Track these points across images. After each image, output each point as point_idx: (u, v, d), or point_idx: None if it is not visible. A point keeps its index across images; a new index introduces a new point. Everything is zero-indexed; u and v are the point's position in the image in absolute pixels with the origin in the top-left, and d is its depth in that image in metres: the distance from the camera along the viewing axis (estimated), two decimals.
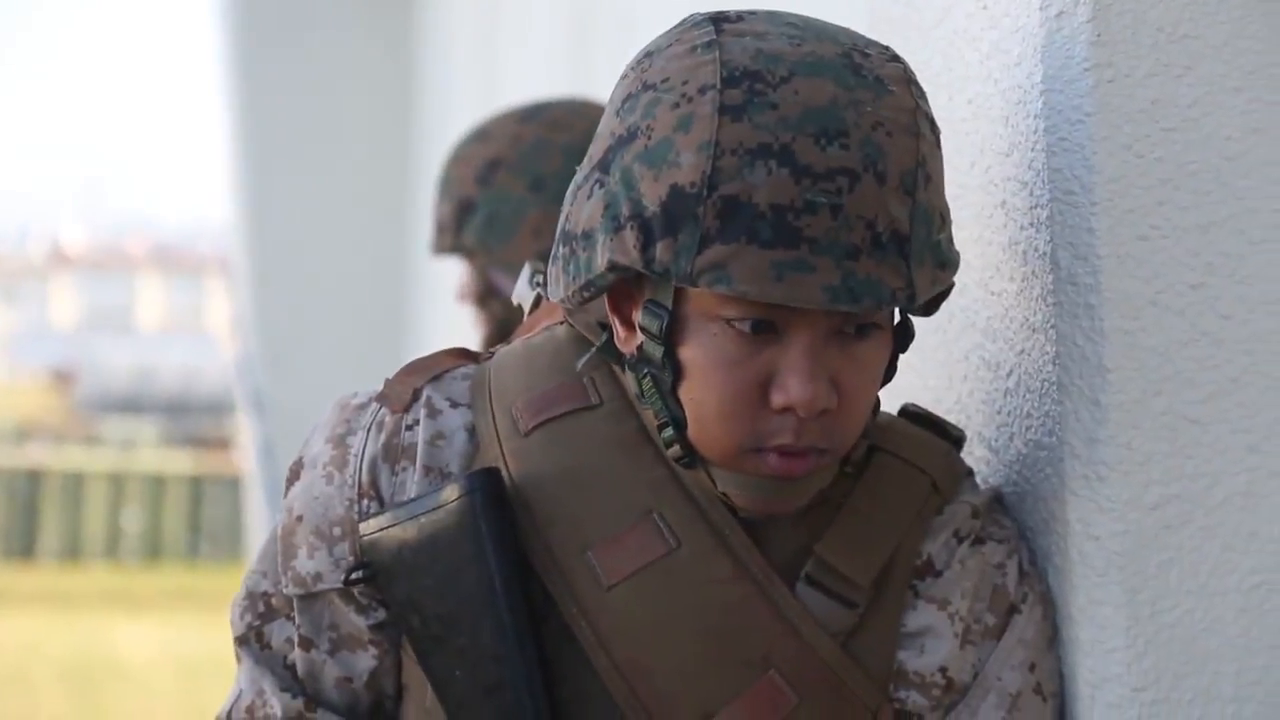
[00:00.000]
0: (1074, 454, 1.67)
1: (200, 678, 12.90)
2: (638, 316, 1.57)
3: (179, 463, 19.94)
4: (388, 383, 1.70)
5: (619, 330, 1.60)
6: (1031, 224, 1.72)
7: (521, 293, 1.83)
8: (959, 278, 1.89)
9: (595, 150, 1.58)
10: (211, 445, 21.14)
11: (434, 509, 1.62)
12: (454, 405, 1.68)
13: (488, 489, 1.61)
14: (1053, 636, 1.69)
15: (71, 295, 37.62)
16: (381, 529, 1.64)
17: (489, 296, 2.63)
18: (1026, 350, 1.74)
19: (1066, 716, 1.70)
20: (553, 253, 1.62)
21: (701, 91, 1.50)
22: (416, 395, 1.68)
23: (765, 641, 1.60)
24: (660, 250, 1.50)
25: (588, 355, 1.65)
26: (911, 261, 1.51)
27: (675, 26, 1.58)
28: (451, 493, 1.61)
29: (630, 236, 1.51)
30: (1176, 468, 1.66)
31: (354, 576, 1.66)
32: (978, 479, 1.78)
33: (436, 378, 1.70)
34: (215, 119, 9.04)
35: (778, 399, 1.53)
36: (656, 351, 1.56)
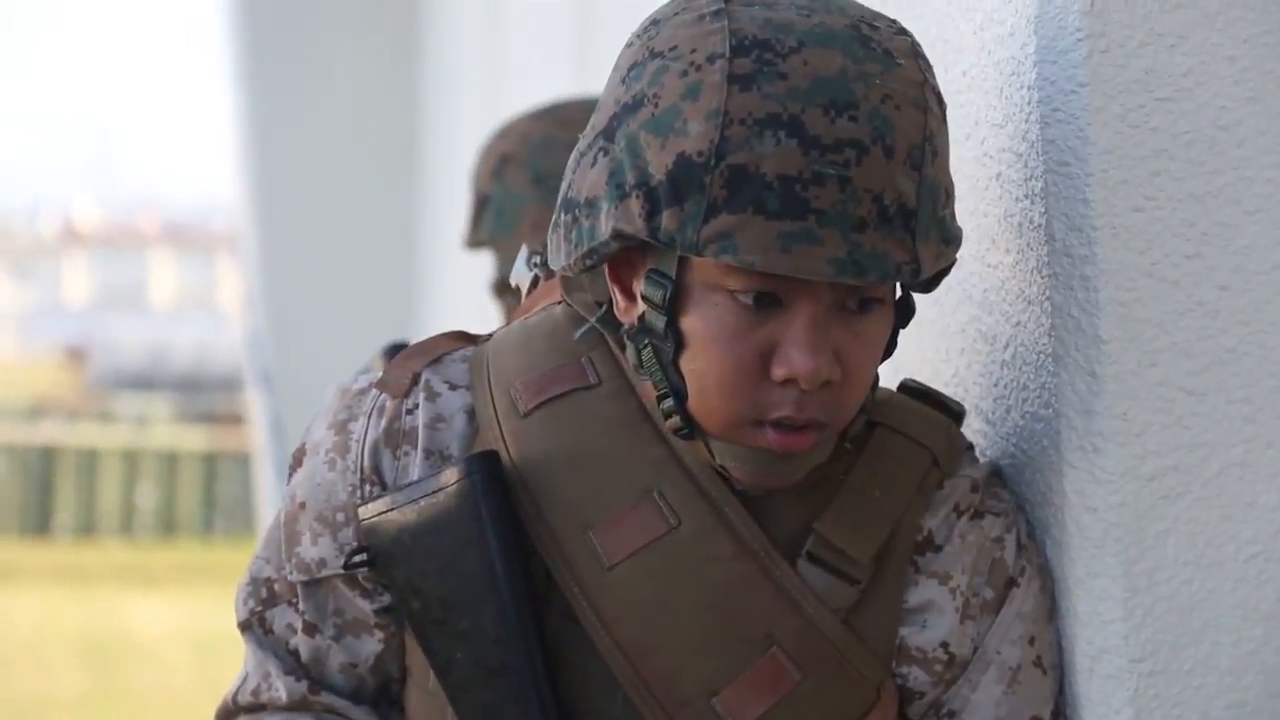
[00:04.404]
0: (1070, 426, 1.67)
1: (215, 653, 12.93)
2: (639, 286, 1.56)
3: (192, 439, 19.97)
4: (386, 369, 1.70)
5: (619, 300, 1.60)
6: (1026, 196, 1.72)
7: (519, 274, 1.83)
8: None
9: (599, 118, 1.57)
10: (225, 421, 21.17)
11: (433, 492, 1.62)
12: (453, 388, 1.67)
13: (487, 472, 1.61)
14: (1051, 609, 1.69)
15: (84, 273, 37.66)
16: (380, 513, 1.64)
17: (504, 289, 2.64)
18: (1023, 322, 1.74)
19: (1065, 689, 1.70)
20: (553, 220, 1.62)
21: (710, 60, 1.50)
22: (415, 379, 1.68)
23: (767, 619, 1.60)
24: (666, 219, 1.50)
25: (585, 328, 1.64)
26: (917, 236, 1.50)
27: None
28: (450, 476, 1.61)
29: (635, 205, 1.51)
30: (1173, 439, 1.65)
31: (354, 560, 1.66)
32: (976, 452, 1.78)
33: (435, 361, 1.69)
34: (225, 96, 9.03)
35: (779, 371, 1.52)
36: (659, 321, 1.55)
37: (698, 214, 1.48)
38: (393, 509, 1.63)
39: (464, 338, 1.73)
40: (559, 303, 1.71)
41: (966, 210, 1.82)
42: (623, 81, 1.55)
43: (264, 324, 8.13)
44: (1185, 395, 1.66)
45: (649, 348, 1.57)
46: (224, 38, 8.70)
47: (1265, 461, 1.66)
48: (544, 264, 1.76)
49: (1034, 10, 1.69)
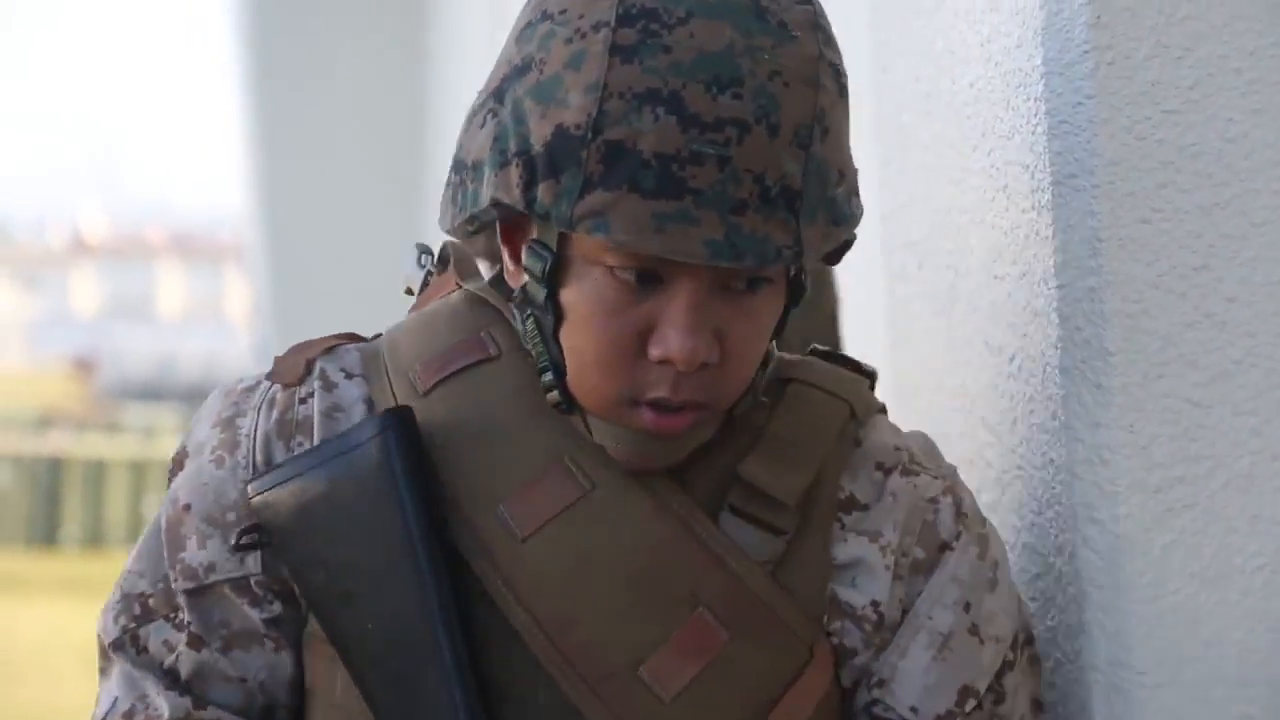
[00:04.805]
0: (1077, 438, 1.67)
1: None
2: (524, 255, 1.52)
3: None
4: (278, 360, 1.64)
5: (509, 264, 1.55)
6: (1033, 207, 1.72)
7: (410, 275, 1.75)
8: (963, 262, 1.89)
9: (493, 77, 1.53)
10: None
11: (342, 454, 1.55)
12: (349, 377, 1.61)
13: (401, 427, 1.54)
14: (994, 579, 1.60)
15: (92, 283, 37.72)
16: (276, 484, 1.56)
17: None
18: (1029, 334, 1.74)
19: (1071, 701, 1.70)
20: (446, 179, 1.58)
21: (595, 29, 1.45)
22: (309, 368, 1.61)
23: (691, 577, 1.53)
24: (542, 192, 1.46)
25: (477, 285, 1.60)
26: (801, 218, 1.46)
27: None
28: (362, 433, 1.54)
29: (514, 174, 1.47)
30: (1179, 451, 1.65)
31: (244, 542, 1.57)
32: (982, 463, 1.78)
33: (329, 350, 1.63)
34: (231, 106, 9.06)
35: (655, 351, 1.47)
36: (539, 293, 1.50)
37: (574, 189, 1.44)
38: (291, 478, 1.56)
39: (356, 338, 1.67)
40: (453, 291, 1.65)
41: (973, 221, 1.82)
42: (515, 41, 1.51)
43: (272, 334, 8.14)
44: (1192, 407, 1.65)
45: (531, 318, 1.52)
46: (230, 48, 8.72)
47: (1272, 474, 1.66)
48: (436, 260, 1.70)
49: (1041, 22, 1.69)
